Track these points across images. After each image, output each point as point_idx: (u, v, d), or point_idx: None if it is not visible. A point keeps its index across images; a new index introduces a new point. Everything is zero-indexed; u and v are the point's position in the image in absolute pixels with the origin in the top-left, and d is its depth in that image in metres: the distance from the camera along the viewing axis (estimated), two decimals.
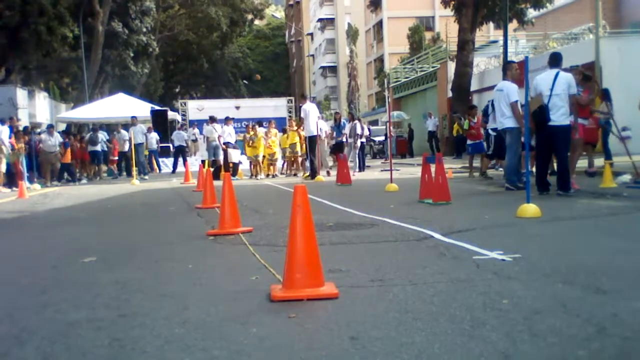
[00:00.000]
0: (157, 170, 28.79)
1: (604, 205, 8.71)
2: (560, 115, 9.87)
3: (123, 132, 25.44)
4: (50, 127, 23.12)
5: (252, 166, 22.00)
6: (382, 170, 21.63)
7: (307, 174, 19.27)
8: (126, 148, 25.04)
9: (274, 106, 34.41)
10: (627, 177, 11.97)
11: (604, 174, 11.58)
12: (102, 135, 24.80)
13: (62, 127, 31.81)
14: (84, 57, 34.86)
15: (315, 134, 18.21)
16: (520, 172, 11.66)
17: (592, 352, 2.83)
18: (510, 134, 11.39)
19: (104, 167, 26.27)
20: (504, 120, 11.46)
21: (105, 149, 25.44)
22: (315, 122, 18.13)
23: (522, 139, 10.67)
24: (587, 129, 12.74)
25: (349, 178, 15.84)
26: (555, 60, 10.35)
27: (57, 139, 21.90)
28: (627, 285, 4.05)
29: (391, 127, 24.03)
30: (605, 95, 16.44)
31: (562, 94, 9.85)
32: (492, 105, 14.40)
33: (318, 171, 18.60)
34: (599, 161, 16.72)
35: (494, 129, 13.93)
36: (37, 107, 33.59)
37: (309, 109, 18.34)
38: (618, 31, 29.31)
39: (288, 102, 35.12)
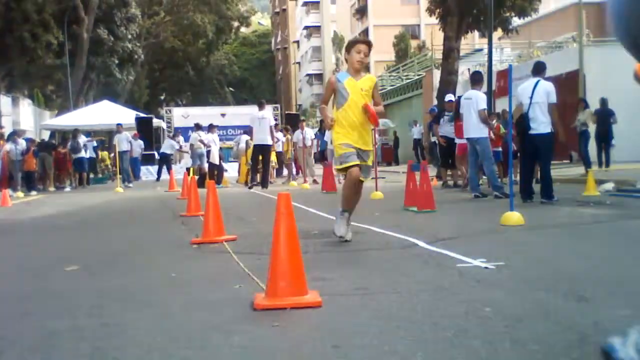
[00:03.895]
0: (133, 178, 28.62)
1: (587, 213, 8.77)
2: (540, 124, 9.96)
3: (83, 137, 24.91)
4: (14, 135, 22.14)
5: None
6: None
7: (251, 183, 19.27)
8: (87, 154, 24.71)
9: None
10: (610, 185, 12.06)
11: (587, 182, 11.67)
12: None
13: (46, 134, 31.65)
14: (68, 64, 34.72)
15: (268, 143, 17.92)
16: (477, 181, 12.10)
17: (574, 359, 2.84)
18: (480, 143, 11.61)
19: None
20: (472, 129, 11.63)
21: (94, 155, 25.29)
22: (269, 131, 17.87)
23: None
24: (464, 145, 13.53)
25: (334, 186, 15.85)
26: (537, 69, 10.49)
27: (22, 146, 21.47)
28: (609, 293, 4.08)
29: (377, 135, 24.09)
30: (586, 104, 16.98)
31: (542, 103, 9.94)
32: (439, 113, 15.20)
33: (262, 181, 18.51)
34: (578, 170, 16.97)
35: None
36: (21, 115, 33.39)
37: (265, 117, 18.00)
38: (601, 40, 29.53)
39: (274, 110, 35.11)
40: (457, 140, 14.40)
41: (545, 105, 9.97)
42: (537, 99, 9.99)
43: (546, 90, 10.00)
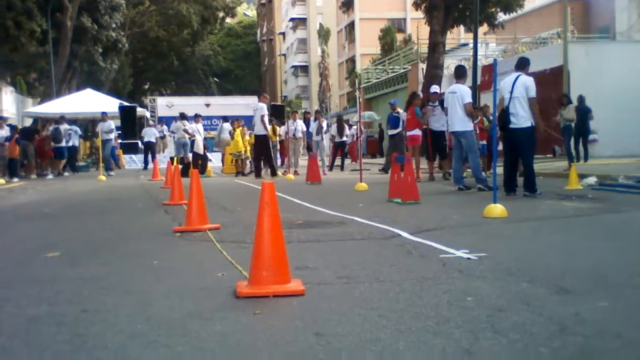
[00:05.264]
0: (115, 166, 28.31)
1: (569, 206, 8.82)
2: (520, 118, 10.02)
3: (65, 126, 24.53)
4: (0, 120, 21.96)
5: (237, 163, 21.61)
6: (352, 170, 21.66)
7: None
8: (70, 143, 24.38)
9: (245, 104, 34.31)
10: (592, 179, 12.13)
11: (570, 176, 11.74)
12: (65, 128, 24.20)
13: (29, 122, 31.34)
14: (51, 52, 34.38)
15: (262, 133, 18.32)
16: (461, 173, 12.38)
17: (554, 349, 2.86)
18: (465, 136, 11.66)
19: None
20: (457, 123, 11.68)
21: (76, 144, 25.05)
22: (260, 121, 18.08)
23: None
24: (415, 137, 15.37)
25: (319, 177, 15.84)
26: (520, 64, 10.55)
27: (6, 132, 21.24)
28: (590, 285, 4.10)
29: (362, 127, 24.10)
30: (569, 99, 17.36)
31: (522, 97, 9.99)
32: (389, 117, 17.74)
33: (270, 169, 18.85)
34: (561, 164, 17.11)
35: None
36: (3, 102, 33.08)
37: (258, 108, 18.46)
38: (586, 36, 29.74)
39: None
40: (409, 132, 15.70)
41: (525, 99, 10.02)
42: (516, 94, 10.05)
43: (525, 85, 10.04)
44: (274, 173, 18.64)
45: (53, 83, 35.16)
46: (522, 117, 10.02)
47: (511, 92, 10.06)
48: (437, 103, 15.06)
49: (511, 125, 10.09)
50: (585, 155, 18.13)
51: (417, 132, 15.46)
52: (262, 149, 18.64)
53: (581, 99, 18.02)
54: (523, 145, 10.17)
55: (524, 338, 3.00)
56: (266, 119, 18.28)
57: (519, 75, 10.20)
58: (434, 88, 15.96)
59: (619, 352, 2.89)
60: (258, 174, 18.45)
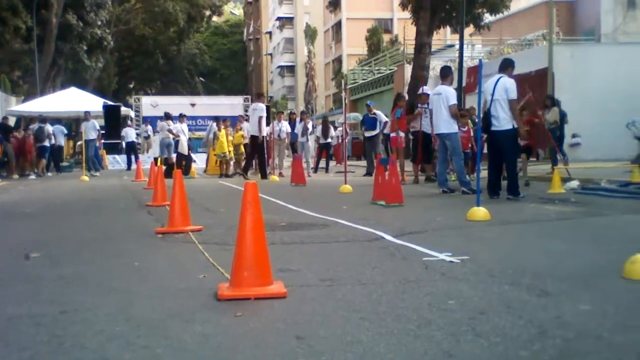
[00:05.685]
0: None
1: (551, 210, 8.86)
2: (501, 120, 10.02)
3: (48, 126, 24.31)
4: None
5: (221, 164, 21.42)
6: (336, 172, 21.66)
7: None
8: (54, 142, 24.14)
9: (230, 104, 34.23)
10: (575, 183, 12.20)
11: (553, 179, 11.78)
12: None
13: (13, 120, 31.04)
14: (36, 49, 34.14)
15: (255, 134, 18.13)
16: (445, 176, 12.35)
17: (534, 352, 2.86)
18: (450, 138, 11.65)
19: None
20: (442, 124, 11.66)
21: (62, 143, 24.90)
22: (257, 122, 17.98)
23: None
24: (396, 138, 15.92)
25: (303, 178, 15.81)
26: (503, 65, 10.56)
27: None
28: (571, 288, 4.12)
29: (347, 129, 24.11)
30: (553, 102, 17.39)
31: (502, 100, 9.98)
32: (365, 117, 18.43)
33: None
34: (547, 167, 17.19)
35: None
36: None
37: (257, 108, 18.37)
38: (571, 38, 29.92)
39: (244, 101, 34.87)
40: (392, 133, 16.22)
41: (506, 101, 10.01)
42: (497, 96, 10.04)
43: (505, 87, 10.03)
44: (264, 176, 18.34)
45: (37, 81, 34.91)
46: (503, 120, 10.02)
47: (492, 95, 10.07)
48: (426, 104, 14.92)
49: (493, 128, 10.12)
50: (565, 158, 18.17)
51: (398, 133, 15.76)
52: (254, 149, 18.39)
53: (557, 103, 18.04)
54: (504, 147, 10.18)
55: (504, 341, 3.01)
56: (264, 121, 18.07)
57: (500, 77, 10.22)
58: (425, 89, 15.78)
59: (599, 354, 2.90)
60: (245, 172, 18.37)
